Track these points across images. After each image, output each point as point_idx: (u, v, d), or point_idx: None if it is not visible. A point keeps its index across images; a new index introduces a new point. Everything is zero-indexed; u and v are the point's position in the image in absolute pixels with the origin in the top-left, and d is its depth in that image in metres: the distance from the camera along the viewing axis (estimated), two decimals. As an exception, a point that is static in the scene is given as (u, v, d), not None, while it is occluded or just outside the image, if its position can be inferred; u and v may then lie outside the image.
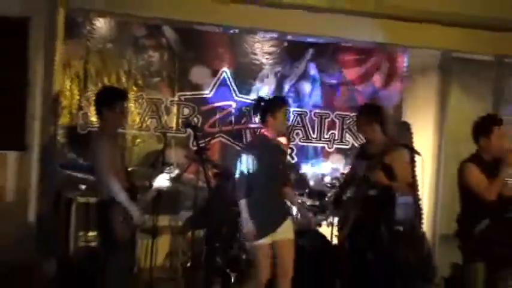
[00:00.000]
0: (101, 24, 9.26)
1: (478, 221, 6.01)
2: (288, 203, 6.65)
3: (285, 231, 6.39)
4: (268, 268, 6.35)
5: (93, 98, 6.31)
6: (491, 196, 6.06)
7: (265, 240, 6.29)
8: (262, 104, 6.61)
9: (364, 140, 7.35)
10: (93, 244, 7.72)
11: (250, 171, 6.41)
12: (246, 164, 6.41)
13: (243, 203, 6.38)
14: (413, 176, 9.31)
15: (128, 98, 6.24)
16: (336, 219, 8.02)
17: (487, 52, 9.47)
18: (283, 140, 6.96)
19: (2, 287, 5.54)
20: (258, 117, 6.65)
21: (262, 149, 6.48)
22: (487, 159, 6.23)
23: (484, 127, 6.33)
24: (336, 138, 10.21)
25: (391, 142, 7.08)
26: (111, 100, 6.00)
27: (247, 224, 6.31)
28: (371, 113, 7.17)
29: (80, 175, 8.17)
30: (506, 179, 6.23)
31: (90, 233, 7.80)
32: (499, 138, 6.18)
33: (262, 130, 6.62)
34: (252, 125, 9.82)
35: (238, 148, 9.71)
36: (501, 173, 6.06)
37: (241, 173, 6.43)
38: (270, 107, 6.51)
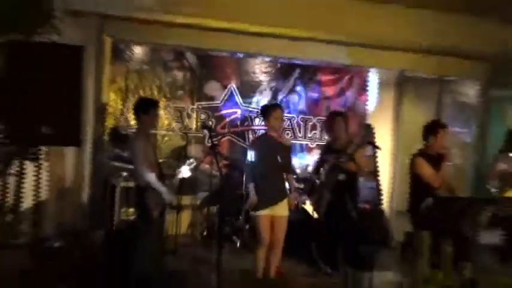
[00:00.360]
0: (138, 50, 9.23)
1: (423, 200, 6.01)
2: (288, 186, 6.60)
3: (282, 209, 6.34)
4: (268, 233, 6.31)
5: (133, 106, 6.32)
6: (436, 184, 6.11)
7: (265, 212, 6.25)
8: (263, 110, 6.60)
9: (330, 139, 7.36)
10: (131, 218, 7.73)
11: (255, 162, 6.42)
12: (251, 156, 6.43)
13: (251, 186, 6.38)
14: (376, 166, 9.32)
15: (159, 106, 6.24)
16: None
17: (431, 72, 9.45)
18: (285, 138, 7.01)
19: (65, 250, 5.53)
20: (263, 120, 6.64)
21: (262, 145, 6.47)
22: (431, 154, 6.25)
23: (432, 128, 6.37)
24: (317, 137, 10.19)
25: (354, 140, 7.12)
26: (146, 107, 6.01)
27: (252, 197, 6.30)
28: (337, 118, 7.23)
29: (122, 165, 8.18)
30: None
31: (130, 210, 7.81)
32: (442, 138, 6.19)
33: (266, 130, 6.60)
34: (253, 127, 9.83)
35: (243, 145, 9.73)
36: (444, 165, 6.08)
37: (249, 163, 6.45)
38: (266, 112, 6.51)
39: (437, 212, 5.76)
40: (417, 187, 6.34)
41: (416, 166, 6.31)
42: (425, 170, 6.22)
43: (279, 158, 6.33)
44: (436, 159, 6.20)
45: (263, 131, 9.52)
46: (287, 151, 6.56)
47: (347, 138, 7.14)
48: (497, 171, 7.04)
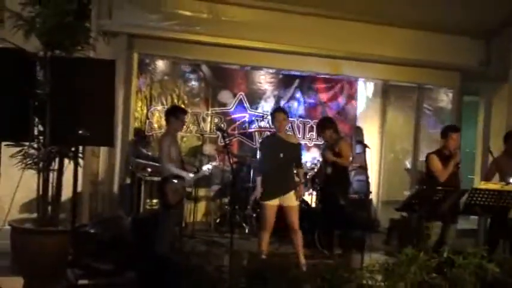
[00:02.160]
0: (161, 63, 9.27)
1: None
2: (297, 179, 6.58)
3: (290, 200, 6.31)
4: (271, 221, 6.29)
5: (166, 111, 6.61)
6: (442, 178, 6.16)
7: (271, 202, 6.24)
8: (271, 114, 6.70)
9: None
10: (155, 207, 7.75)
11: (263, 158, 6.44)
12: (260, 153, 6.48)
13: (258, 179, 6.38)
14: (365, 162, 9.31)
15: (187, 113, 6.44)
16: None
17: (411, 81, 9.44)
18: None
19: (97, 234, 5.56)
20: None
21: (270, 144, 6.48)
22: (445, 153, 6.28)
23: (445, 132, 6.44)
24: (314, 137, 10.18)
25: (340, 138, 7.30)
26: (178, 113, 6.20)
27: (258, 190, 6.35)
28: (325, 124, 7.23)
29: (146, 162, 8.19)
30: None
31: (154, 200, 7.83)
32: (453, 140, 6.23)
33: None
34: (259, 129, 9.84)
35: (251, 145, 9.73)
36: (450, 164, 6.17)
37: (258, 159, 6.50)
38: (272, 115, 6.57)
39: (419, 199, 5.73)
40: (429, 178, 6.38)
41: (429, 162, 6.40)
42: (436, 166, 6.28)
43: (282, 155, 6.32)
44: (448, 158, 6.26)
45: (268, 133, 9.61)
46: (295, 148, 6.52)
47: (336, 138, 7.19)
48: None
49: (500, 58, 8.96)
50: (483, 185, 5.92)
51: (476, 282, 4.74)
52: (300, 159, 6.68)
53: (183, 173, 6.03)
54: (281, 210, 6.32)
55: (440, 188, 5.84)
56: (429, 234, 5.96)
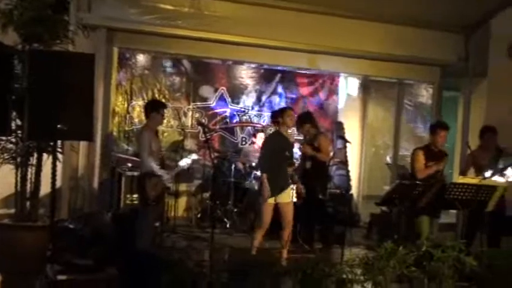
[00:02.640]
0: (142, 58, 9.21)
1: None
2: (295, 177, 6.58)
3: (287, 196, 6.30)
4: (269, 219, 6.25)
5: (145, 105, 6.55)
6: (420, 176, 6.15)
7: (270, 200, 6.20)
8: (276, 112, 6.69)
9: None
10: (135, 203, 7.70)
11: (269, 155, 6.38)
12: (265, 150, 6.44)
13: (265, 176, 6.22)
14: (346, 157, 9.35)
15: (167, 107, 6.37)
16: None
17: (392, 76, 9.49)
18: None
19: (77, 229, 5.53)
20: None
21: (275, 141, 6.45)
22: (433, 150, 6.28)
23: (433, 128, 6.46)
24: (295, 132, 10.18)
25: (319, 133, 7.37)
26: (157, 107, 6.09)
27: (267, 188, 6.15)
28: (304, 119, 7.24)
29: (126, 156, 8.15)
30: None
31: (134, 196, 7.78)
32: (440, 138, 6.24)
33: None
34: (241, 124, 9.84)
35: (232, 139, 9.73)
36: (432, 167, 6.18)
37: (262, 157, 6.44)
38: (284, 112, 6.51)
39: (398, 194, 5.77)
40: (413, 172, 6.39)
41: (413, 155, 6.40)
42: (418, 162, 6.27)
43: (287, 152, 6.35)
44: (434, 154, 6.25)
45: (249, 128, 9.62)
46: (292, 146, 6.65)
47: (315, 132, 7.21)
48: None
49: (478, 53, 9.04)
50: (461, 180, 5.99)
51: (454, 275, 4.80)
52: (293, 156, 6.75)
53: (162, 172, 5.97)
54: (275, 207, 6.31)
55: (419, 182, 5.87)
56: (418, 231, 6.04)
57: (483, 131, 6.94)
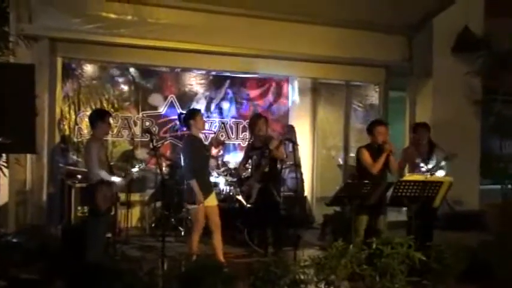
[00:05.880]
0: (88, 68, 9.06)
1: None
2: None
3: (212, 200, 6.29)
4: (203, 223, 6.24)
5: (88, 115, 6.42)
6: (374, 171, 6.24)
7: (201, 205, 6.17)
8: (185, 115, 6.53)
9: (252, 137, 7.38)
10: (86, 215, 7.55)
11: (196, 159, 6.28)
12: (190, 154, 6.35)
13: (193, 182, 6.12)
14: (297, 159, 9.39)
15: (112, 116, 6.24)
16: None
17: (339, 78, 9.63)
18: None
19: (23, 244, 5.40)
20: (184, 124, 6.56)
21: (193, 144, 6.34)
22: (375, 146, 6.34)
23: (370, 128, 6.48)
24: (247, 137, 10.19)
25: (271, 136, 7.27)
26: (102, 116, 5.94)
27: (199, 193, 6.09)
28: (255, 119, 7.26)
29: (76, 168, 7.99)
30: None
31: (85, 208, 7.62)
32: (379, 134, 6.29)
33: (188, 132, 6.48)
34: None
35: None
36: (382, 156, 6.22)
37: (186, 161, 6.34)
38: (188, 116, 6.44)
39: (346, 194, 5.83)
40: (360, 172, 6.44)
41: (359, 156, 6.43)
42: (366, 159, 6.32)
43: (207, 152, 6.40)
44: (378, 150, 6.29)
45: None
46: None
47: (266, 136, 7.19)
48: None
49: (422, 54, 9.28)
50: (408, 177, 6.12)
51: (405, 271, 4.89)
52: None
53: (112, 178, 5.89)
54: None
55: (367, 181, 5.95)
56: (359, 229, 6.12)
57: (415, 128, 7.15)
